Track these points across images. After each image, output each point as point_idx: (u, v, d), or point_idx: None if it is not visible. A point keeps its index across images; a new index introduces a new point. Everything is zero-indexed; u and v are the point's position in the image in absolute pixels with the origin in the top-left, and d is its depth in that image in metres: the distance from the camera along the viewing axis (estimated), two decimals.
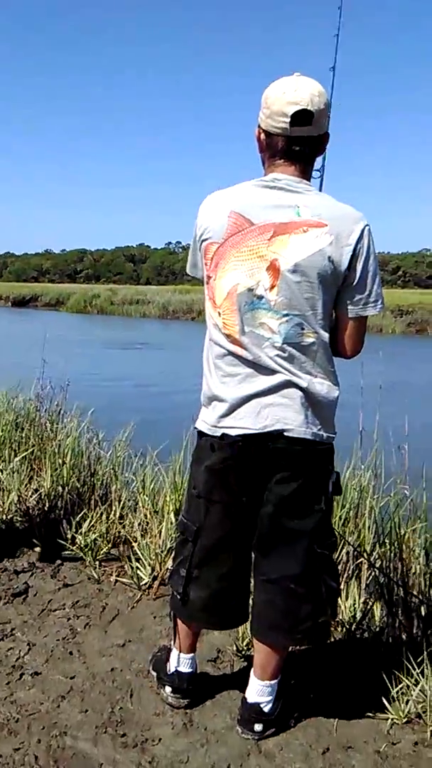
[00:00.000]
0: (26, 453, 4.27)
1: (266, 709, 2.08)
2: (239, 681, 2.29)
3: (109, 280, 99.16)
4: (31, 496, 3.79)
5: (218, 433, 1.92)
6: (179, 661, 2.21)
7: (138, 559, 3.08)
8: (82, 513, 3.65)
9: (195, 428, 2.05)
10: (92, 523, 3.46)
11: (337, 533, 2.93)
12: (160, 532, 3.20)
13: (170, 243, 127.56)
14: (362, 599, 2.76)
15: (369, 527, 3.07)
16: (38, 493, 3.84)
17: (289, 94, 1.78)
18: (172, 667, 2.22)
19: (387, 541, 2.91)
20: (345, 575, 2.90)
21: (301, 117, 1.77)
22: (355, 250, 1.80)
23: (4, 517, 3.56)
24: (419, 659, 2.25)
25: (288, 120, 1.78)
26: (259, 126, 1.89)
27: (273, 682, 2.09)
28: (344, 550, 2.97)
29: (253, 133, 1.92)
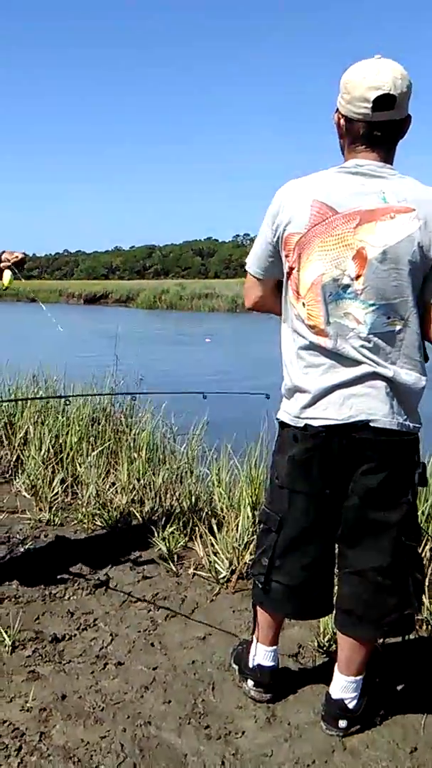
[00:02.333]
0: (103, 447, 4.35)
1: (351, 705, 2.05)
2: (321, 676, 2.26)
3: (177, 275, 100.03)
4: (108, 490, 3.86)
5: (301, 423, 1.90)
6: (261, 655, 2.19)
7: (215, 553, 3.09)
8: (158, 506, 3.70)
9: (277, 419, 2.03)
10: (169, 515, 3.49)
11: (421, 528, 2.86)
12: (237, 525, 3.19)
13: (238, 235, 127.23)
14: None
15: None
16: (115, 486, 3.90)
17: (371, 78, 1.72)
18: (253, 660, 2.21)
19: None
20: (428, 571, 2.81)
21: (384, 101, 1.71)
22: None
23: (84, 510, 3.63)
24: None
25: (370, 105, 1.72)
26: (338, 111, 1.83)
27: (358, 678, 2.05)
28: (428, 547, 2.89)
29: (332, 119, 1.87)
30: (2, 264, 2.56)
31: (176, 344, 19.04)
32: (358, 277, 1.75)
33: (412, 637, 2.46)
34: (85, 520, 3.57)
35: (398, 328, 1.78)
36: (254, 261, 2.02)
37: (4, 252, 2.57)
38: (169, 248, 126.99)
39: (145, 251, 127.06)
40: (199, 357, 16.23)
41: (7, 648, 2.43)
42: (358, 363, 1.80)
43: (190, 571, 3.10)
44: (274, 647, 2.20)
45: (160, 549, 3.21)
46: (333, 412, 1.83)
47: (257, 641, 2.20)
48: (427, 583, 2.71)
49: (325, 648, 2.46)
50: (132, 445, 4.40)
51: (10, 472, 4.38)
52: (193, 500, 3.70)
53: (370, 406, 1.80)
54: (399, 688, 2.27)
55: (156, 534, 3.27)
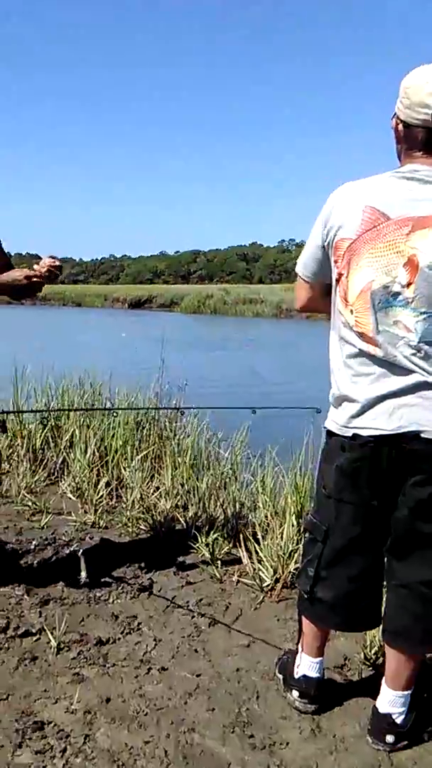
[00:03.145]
0: (147, 451, 4.37)
1: (399, 720, 2.01)
2: (368, 689, 2.23)
3: (222, 280, 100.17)
4: (152, 494, 3.87)
5: (349, 433, 1.88)
6: (306, 665, 2.17)
7: (260, 560, 3.07)
8: (202, 511, 3.70)
9: (324, 428, 2.01)
10: (213, 521, 3.49)
11: None
12: (281, 533, 3.16)
13: (283, 240, 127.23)
14: None
15: None
16: (159, 491, 3.91)
17: None
18: (299, 671, 2.19)
19: None
20: None
21: None
22: None
23: (128, 513, 3.65)
24: None
25: (431, 111, 1.70)
26: (396, 116, 1.81)
27: (406, 692, 2.01)
28: None
29: (390, 125, 1.84)
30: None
31: (221, 350, 19.06)
32: (409, 284, 1.72)
33: None
34: (129, 524, 3.60)
35: None
36: (304, 263, 2.01)
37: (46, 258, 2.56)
38: (214, 253, 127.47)
39: (190, 256, 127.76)
40: (245, 363, 16.23)
41: (52, 649, 2.45)
42: (409, 372, 1.77)
43: (234, 578, 3.09)
44: (320, 658, 2.18)
45: (203, 554, 3.21)
46: (382, 422, 1.80)
47: (302, 651, 2.18)
48: None
49: (371, 661, 2.42)
50: (176, 450, 4.41)
51: (56, 474, 4.44)
52: (237, 507, 3.69)
53: (421, 416, 1.77)
54: None
55: (199, 539, 3.26)
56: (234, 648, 2.54)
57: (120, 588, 2.94)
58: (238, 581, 3.06)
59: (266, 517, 3.46)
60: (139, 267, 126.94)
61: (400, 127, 1.80)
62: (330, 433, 1.98)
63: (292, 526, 3.18)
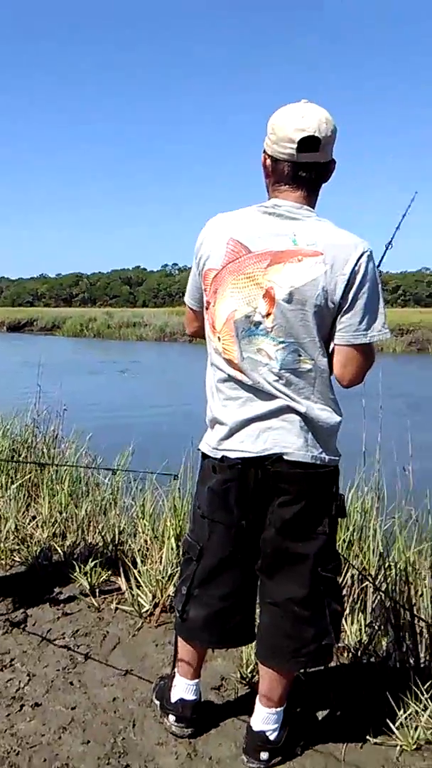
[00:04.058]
0: (23, 480, 4.24)
1: (272, 737, 2.04)
2: (244, 709, 2.25)
3: (105, 304, 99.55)
4: (28, 524, 3.76)
5: (219, 455, 1.92)
6: (183, 688, 2.17)
7: (138, 586, 3.04)
8: (81, 539, 3.63)
9: (199, 450, 2.04)
10: (92, 549, 3.43)
11: (341, 557, 2.91)
12: (160, 558, 3.16)
13: (167, 265, 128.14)
14: (368, 623, 2.72)
15: (374, 550, 3.04)
16: (36, 520, 3.80)
17: (297, 120, 1.78)
18: (175, 694, 2.18)
19: (392, 563, 2.88)
20: (350, 599, 2.85)
21: (309, 143, 1.77)
22: (349, 278, 1.77)
23: (2, 545, 3.52)
24: (427, 684, 2.22)
25: (295, 146, 1.78)
26: (264, 152, 1.89)
27: (279, 709, 2.05)
28: (349, 574, 2.93)
29: (260, 158, 1.92)
30: None
31: (100, 373, 18.86)
32: (268, 314, 1.80)
33: (333, 664, 2.49)
34: (3, 556, 3.47)
35: (308, 367, 1.83)
36: (189, 292, 2.07)
37: None
38: (97, 276, 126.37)
39: (72, 279, 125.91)
40: (126, 387, 16.14)
41: None
42: (273, 397, 1.84)
43: (113, 606, 3.04)
44: (196, 680, 2.18)
45: (81, 584, 3.14)
46: (249, 444, 1.86)
47: (178, 674, 2.18)
48: (348, 611, 2.76)
49: (248, 679, 2.46)
50: (54, 477, 4.31)
51: None
52: (117, 533, 3.65)
53: (285, 439, 1.84)
54: (320, 716, 2.28)
55: (78, 569, 3.20)
56: (111, 677, 2.50)
57: None
58: (117, 609, 3.02)
59: (146, 542, 3.45)
60: (18, 289, 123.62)
61: (269, 161, 1.88)
62: (204, 455, 2.02)
63: (171, 549, 3.18)
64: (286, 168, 1.84)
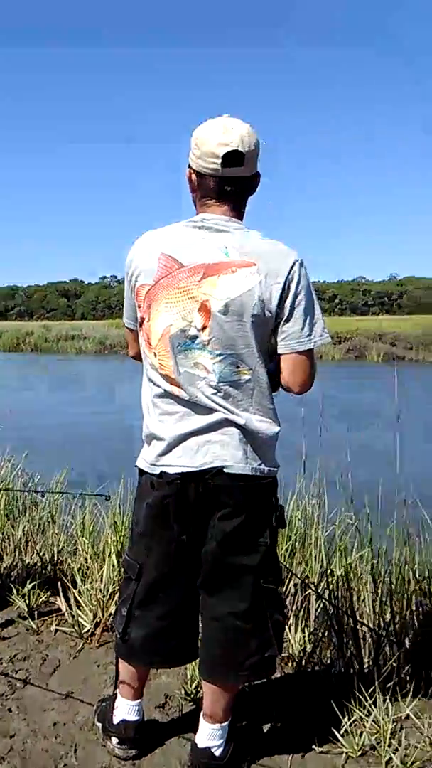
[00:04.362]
0: None
1: (217, 753, 2.02)
2: (189, 726, 2.22)
3: (42, 317, 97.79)
4: None
5: (157, 471, 1.89)
6: (125, 710, 2.12)
7: (79, 606, 2.97)
8: (18, 560, 3.53)
9: (136, 466, 2.01)
10: (30, 570, 3.34)
11: (284, 565, 2.91)
12: (101, 576, 3.10)
13: (105, 277, 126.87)
14: (312, 631, 2.73)
15: (316, 557, 3.06)
16: None
17: (219, 135, 1.79)
18: (118, 716, 2.13)
19: (334, 570, 2.90)
20: (294, 608, 2.86)
21: (233, 158, 1.78)
22: (284, 287, 1.79)
23: None
24: (371, 690, 2.24)
25: (219, 161, 1.78)
26: (189, 167, 1.89)
27: (223, 724, 2.03)
28: (292, 582, 2.94)
29: (184, 173, 1.92)
30: None
31: (36, 389, 18.56)
32: (204, 328, 1.79)
33: (278, 675, 2.48)
34: None
35: (247, 377, 1.83)
36: (125, 313, 2.05)
37: None
38: (33, 289, 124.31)
39: (7, 292, 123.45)
40: (64, 400, 15.91)
41: None
42: (211, 411, 1.83)
43: (52, 627, 2.96)
44: (138, 701, 2.14)
45: (19, 607, 3.05)
46: (187, 459, 1.84)
47: (120, 695, 2.14)
48: (292, 620, 2.77)
49: (192, 695, 2.42)
50: None
51: None
52: (56, 552, 3.57)
53: (224, 452, 1.83)
54: (266, 729, 2.26)
55: (15, 591, 3.10)
56: (51, 702, 2.43)
57: None
58: (57, 630, 2.94)
59: (86, 560, 3.38)
60: None
61: (194, 176, 1.88)
62: (141, 472, 1.99)
63: (113, 566, 3.13)
64: (212, 182, 1.84)
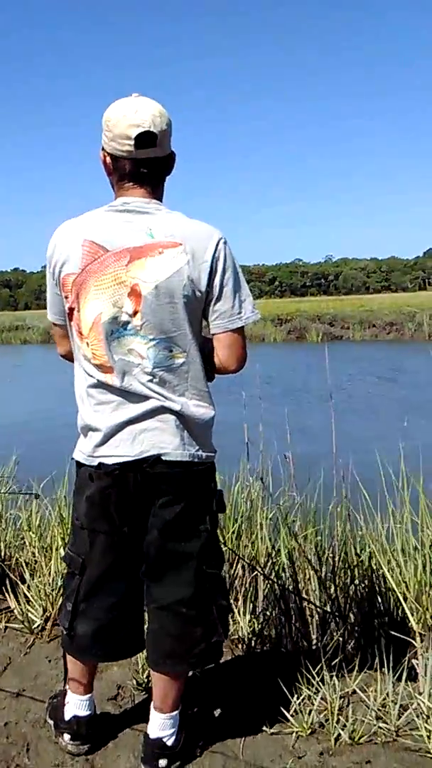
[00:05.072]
0: None
1: (169, 742, 2.02)
2: (142, 717, 2.21)
3: None
4: None
5: (95, 462, 1.87)
6: (75, 705, 2.11)
7: (28, 601, 2.94)
8: None
9: (73, 459, 1.98)
10: None
11: (231, 549, 2.93)
12: (49, 570, 3.06)
13: (46, 266, 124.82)
14: (259, 612, 2.75)
15: (262, 538, 3.08)
16: None
17: (130, 116, 1.75)
18: (69, 712, 2.12)
19: (281, 550, 2.93)
20: (242, 590, 2.88)
21: (145, 139, 1.75)
22: (212, 266, 1.79)
23: None
24: (318, 667, 2.27)
25: (132, 143, 1.76)
26: (103, 149, 1.85)
27: (174, 713, 2.03)
28: (239, 565, 2.96)
29: (98, 156, 1.88)
30: None
31: None
32: (135, 313, 1.77)
33: (228, 658, 2.50)
34: None
35: (181, 360, 1.82)
36: (50, 308, 1.98)
37: None
38: None
39: None
40: (7, 392, 15.62)
41: None
42: (146, 398, 1.81)
43: (1, 625, 2.92)
44: (89, 695, 2.13)
45: None
46: (125, 448, 1.82)
47: (70, 691, 2.12)
48: (241, 603, 2.79)
49: (144, 685, 2.42)
50: None
51: None
52: (3, 547, 3.51)
53: (162, 440, 1.82)
54: (217, 714, 2.28)
55: None
56: (2, 701, 2.39)
57: None
58: (6, 627, 2.90)
59: (34, 554, 3.34)
60: None
61: (108, 159, 1.85)
62: (78, 464, 1.96)
63: (60, 560, 3.09)
64: (128, 165, 1.82)
